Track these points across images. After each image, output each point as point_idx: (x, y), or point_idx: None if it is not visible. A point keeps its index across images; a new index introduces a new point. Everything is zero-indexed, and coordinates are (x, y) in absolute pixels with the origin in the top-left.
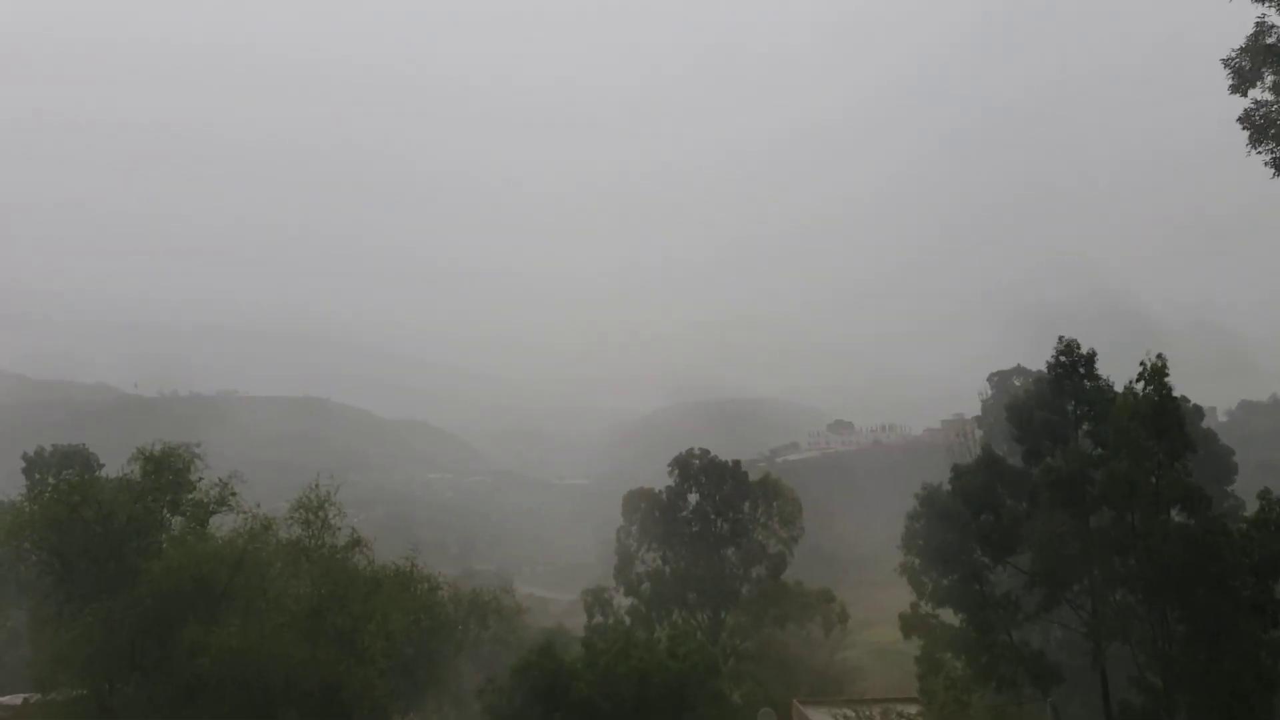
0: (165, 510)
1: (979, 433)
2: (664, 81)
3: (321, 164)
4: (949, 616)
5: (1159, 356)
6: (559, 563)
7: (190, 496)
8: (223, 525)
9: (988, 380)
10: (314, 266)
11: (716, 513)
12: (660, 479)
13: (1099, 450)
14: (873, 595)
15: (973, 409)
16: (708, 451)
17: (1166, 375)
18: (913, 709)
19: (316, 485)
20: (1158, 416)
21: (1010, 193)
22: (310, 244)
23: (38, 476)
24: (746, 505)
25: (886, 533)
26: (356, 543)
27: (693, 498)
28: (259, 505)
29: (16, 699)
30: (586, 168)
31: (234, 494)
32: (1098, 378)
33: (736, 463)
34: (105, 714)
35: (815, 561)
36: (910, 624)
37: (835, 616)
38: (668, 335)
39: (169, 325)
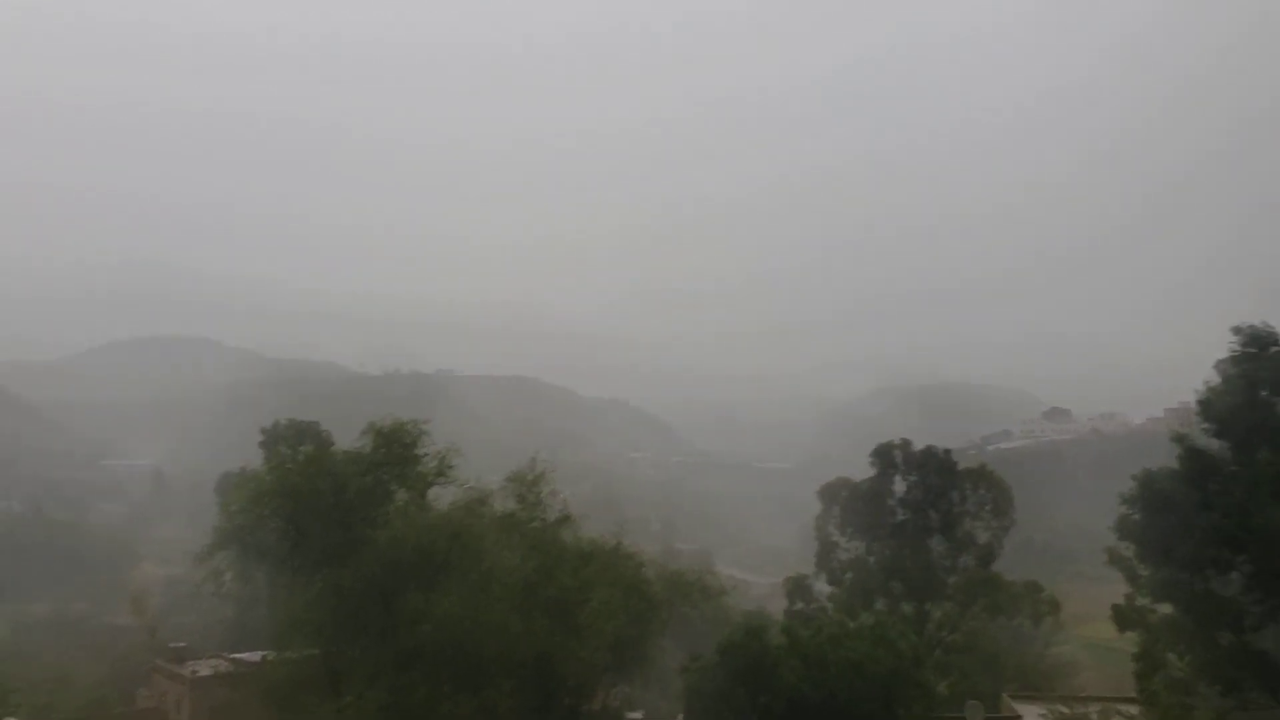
0: (392, 483)
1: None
2: None
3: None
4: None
5: None
6: (760, 546)
7: (415, 470)
8: (439, 498)
9: (1214, 368)
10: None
11: (927, 503)
12: (863, 464)
13: None
14: (1088, 590)
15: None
16: (909, 442)
17: None
18: (1133, 709)
19: (534, 462)
20: None
21: None
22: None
23: (275, 448)
24: (955, 495)
25: (1103, 526)
26: (566, 518)
27: (898, 487)
28: (465, 478)
29: (256, 656)
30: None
31: (451, 466)
32: None
33: (947, 452)
34: (332, 675)
35: (1027, 554)
36: (1124, 617)
37: (1044, 609)
38: (875, 319)
39: (394, 316)
